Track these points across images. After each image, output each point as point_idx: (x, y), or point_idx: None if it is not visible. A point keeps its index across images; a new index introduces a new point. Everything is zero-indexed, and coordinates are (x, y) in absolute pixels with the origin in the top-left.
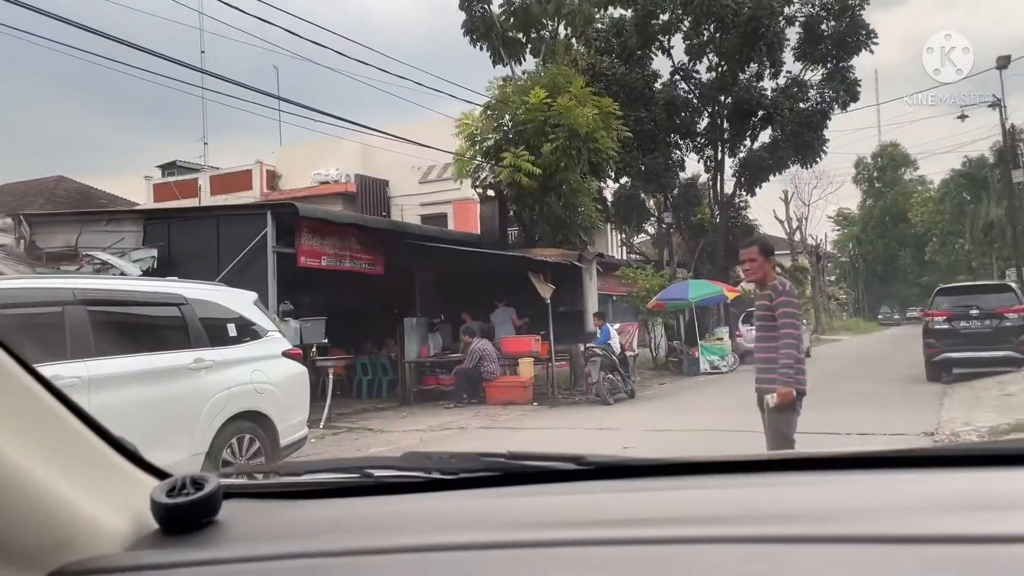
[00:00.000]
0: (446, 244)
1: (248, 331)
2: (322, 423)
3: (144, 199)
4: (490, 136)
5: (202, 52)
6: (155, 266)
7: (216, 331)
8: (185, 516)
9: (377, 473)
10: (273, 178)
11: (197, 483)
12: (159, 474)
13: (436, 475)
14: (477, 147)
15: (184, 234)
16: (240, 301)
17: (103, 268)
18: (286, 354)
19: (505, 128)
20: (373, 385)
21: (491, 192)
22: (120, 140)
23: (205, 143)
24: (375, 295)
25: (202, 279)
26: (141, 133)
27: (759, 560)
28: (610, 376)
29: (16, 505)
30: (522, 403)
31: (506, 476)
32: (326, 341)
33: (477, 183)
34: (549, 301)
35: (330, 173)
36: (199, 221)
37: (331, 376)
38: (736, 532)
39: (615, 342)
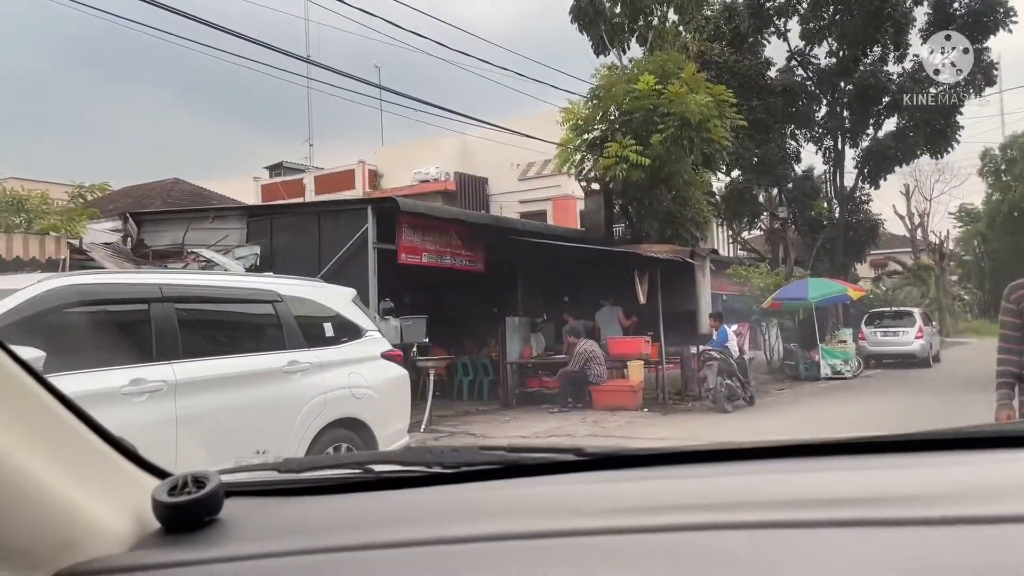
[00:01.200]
0: (549, 240)
1: (346, 330)
2: (423, 426)
3: (252, 199)
4: (596, 126)
5: (307, 55)
6: (258, 263)
7: (312, 330)
8: (187, 515)
9: (378, 468)
10: (375, 177)
11: (198, 481)
12: (160, 473)
13: (437, 469)
14: (582, 138)
15: (286, 231)
16: (338, 298)
17: (208, 265)
18: (385, 355)
19: (611, 117)
20: (474, 386)
21: (595, 186)
22: (231, 143)
23: (311, 144)
24: (476, 293)
25: (303, 276)
26: (250, 137)
27: (767, 546)
28: (728, 382)
29: (19, 507)
30: (631, 409)
31: (507, 469)
32: (427, 340)
33: (581, 176)
34: (644, 301)
35: (430, 171)
36: (300, 218)
37: (432, 377)
38: (742, 518)
39: (733, 345)
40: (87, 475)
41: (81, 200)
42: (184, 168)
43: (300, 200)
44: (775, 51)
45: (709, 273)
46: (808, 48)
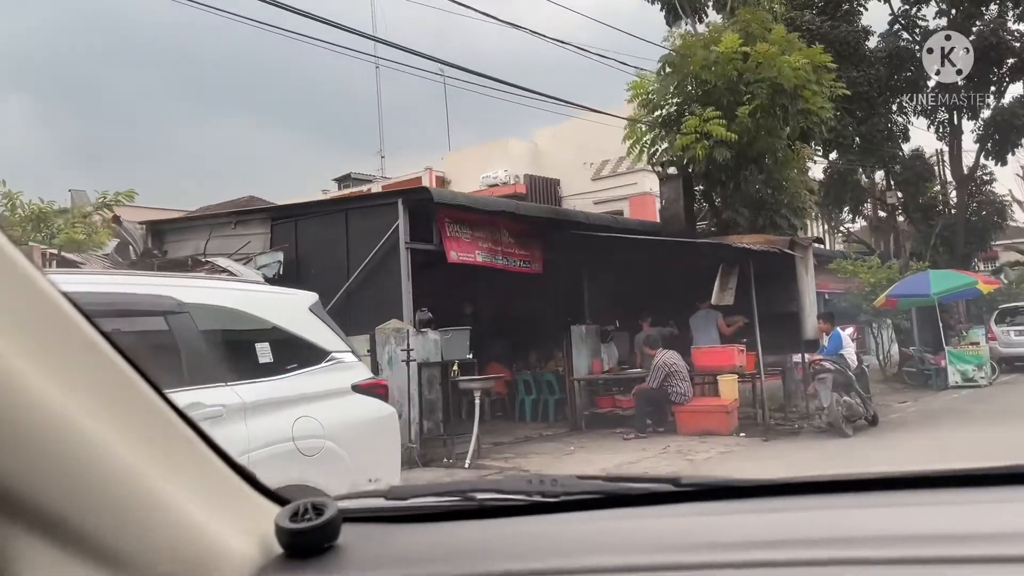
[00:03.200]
0: (618, 234)
1: (296, 354)
2: (467, 461)
3: None
4: (669, 99)
5: (376, 68)
6: (281, 271)
7: (239, 356)
8: (308, 541)
9: (480, 496)
10: (442, 183)
11: (317, 508)
12: (275, 498)
13: (537, 498)
14: (654, 115)
15: (312, 233)
16: (283, 308)
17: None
18: (360, 388)
19: (688, 88)
20: (537, 406)
21: (672, 170)
22: (303, 159)
23: (382, 156)
24: (535, 298)
25: (332, 283)
26: (323, 152)
27: None
28: (846, 398)
29: (157, 528)
30: (724, 434)
31: (606, 499)
32: (471, 356)
33: (654, 160)
34: (730, 302)
35: (499, 175)
36: (327, 218)
37: (478, 401)
38: (852, 555)
39: (849, 352)
40: (216, 499)
41: (108, 210)
42: (260, 186)
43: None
44: (874, 18)
45: (812, 267)
46: (914, 8)
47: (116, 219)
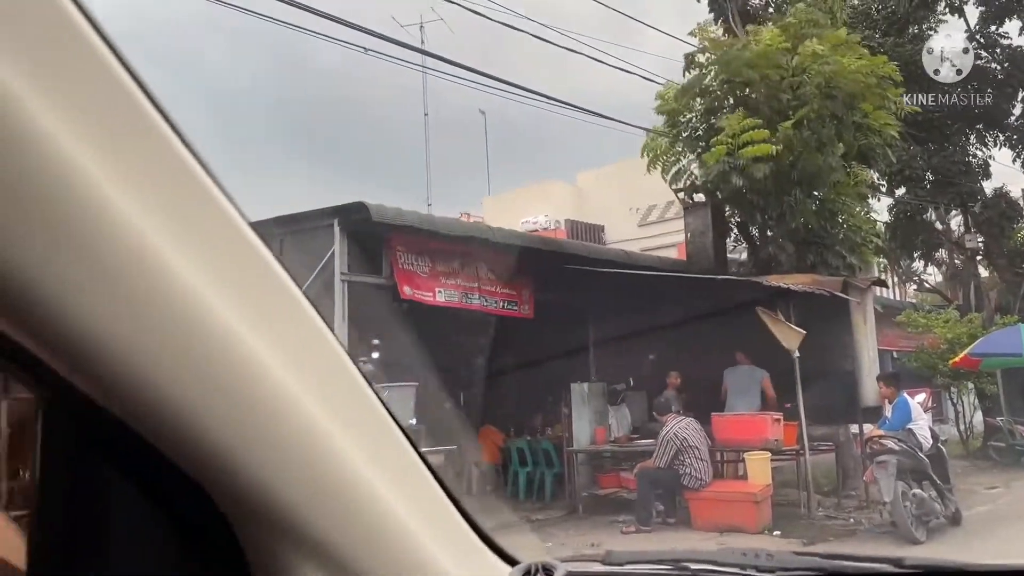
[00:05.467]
0: (631, 270)
1: None
2: None
3: None
4: (696, 107)
5: (425, 114)
6: None
7: None
8: None
9: (694, 567)
10: None
11: (547, 570)
12: (502, 554)
13: (752, 572)
14: (679, 128)
15: None
16: None
17: None
18: None
19: (715, 92)
20: (534, 480)
21: (700, 197)
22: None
23: (429, 204)
24: (524, 348)
25: None
26: (368, 198)
27: None
28: (916, 490)
29: (406, 571)
30: (751, 531)
31: None
32: (413, 422)
33: (678, 181)
34: (797, 355)
35: (539, 220)
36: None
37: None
38: None
39: (921, 427)
40: (451, 547)
41: None
42: None
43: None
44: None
45: (873, 317)
46: (995, 25)
47: None
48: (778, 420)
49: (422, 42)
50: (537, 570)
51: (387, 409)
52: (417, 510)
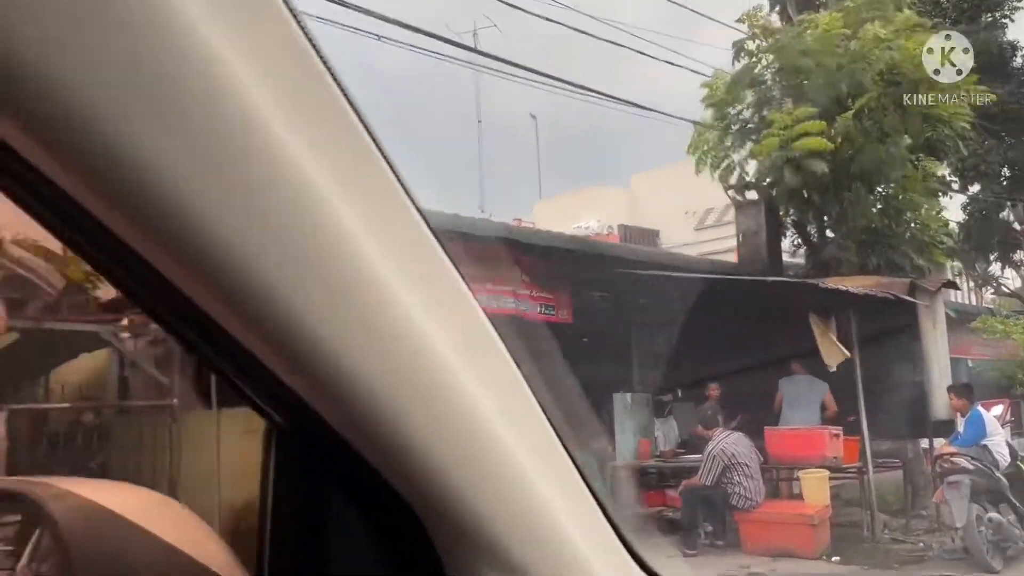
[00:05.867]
0: (677, 273)
1: None
2: None
3: None
4: (747, 98)
5: (479, 121)
6: None
7: None
8: None
9: None
10: None
11: None
12: (639, 562)
13: None
14: (728, 120)
15: None
16: None
17: None
18: None
19: (767, 82)
20: None
21: (752, 195)
22: None
23: (481, 210)
24: (563, 355)
25: None
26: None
27: None
28: (992, 514)
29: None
30: (808, 555)
31: None
32: None
33: (730, 179)
34: (834, 368)
35: (591, 225)
36: None
37: None
38: None
39: (997, 442)
40: (599, 551)
41: None
42: None
43: None
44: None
45: (944, 322)
46: None
47: None
48: (837, 435)
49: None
50: None
51: (544, 409)
52: (575, 513)
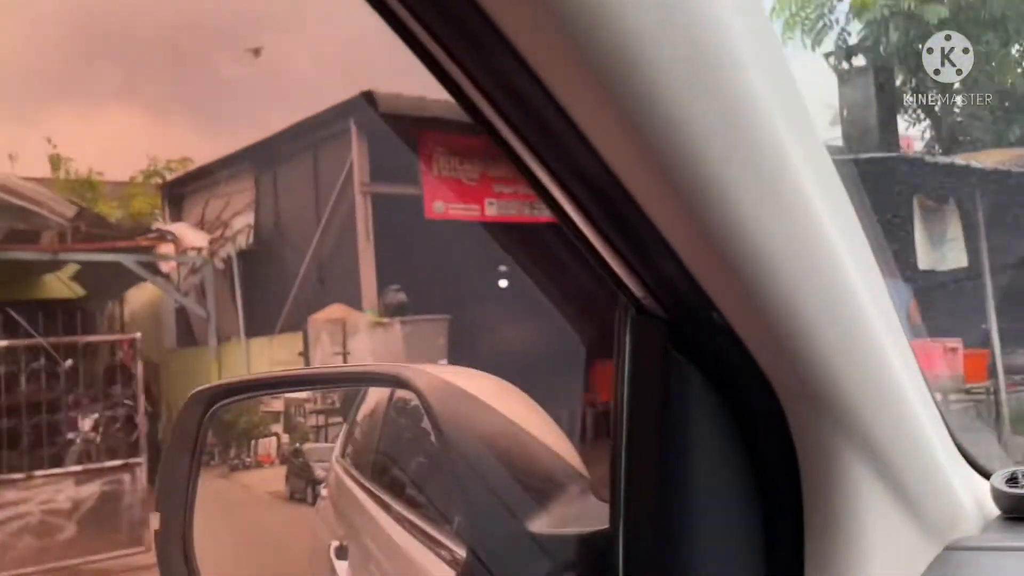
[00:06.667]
0: None
1: None
2: None
3: None
4: None
5: None
6: (251, 239)
7: None
8: (1022, 505)
9: None
10: None
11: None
12: (975, 465)
13: None
14: None
15: (288, 182)
16: None
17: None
18: None
19: None
20: None
21: (859, 61)
22: None
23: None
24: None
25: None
26: None
27: None
28: None
29: (935, 483)
30: None
31: None
32: (444, 361)
33: (826, 43)
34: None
35: None
36: (298, 158)
37: None
38: None
39: None
40: (948, 452)
41: (159, 178)
42: None
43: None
44: None
45: None
46: None
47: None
48: (955, 348)
49: None
50: (1018, 476)
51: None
52: (926, 414)
